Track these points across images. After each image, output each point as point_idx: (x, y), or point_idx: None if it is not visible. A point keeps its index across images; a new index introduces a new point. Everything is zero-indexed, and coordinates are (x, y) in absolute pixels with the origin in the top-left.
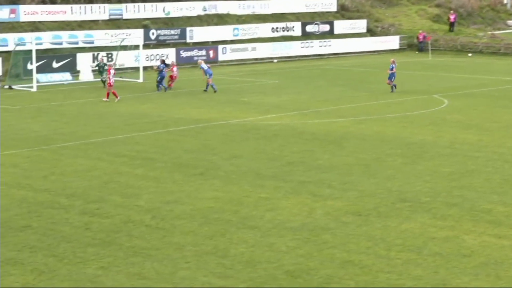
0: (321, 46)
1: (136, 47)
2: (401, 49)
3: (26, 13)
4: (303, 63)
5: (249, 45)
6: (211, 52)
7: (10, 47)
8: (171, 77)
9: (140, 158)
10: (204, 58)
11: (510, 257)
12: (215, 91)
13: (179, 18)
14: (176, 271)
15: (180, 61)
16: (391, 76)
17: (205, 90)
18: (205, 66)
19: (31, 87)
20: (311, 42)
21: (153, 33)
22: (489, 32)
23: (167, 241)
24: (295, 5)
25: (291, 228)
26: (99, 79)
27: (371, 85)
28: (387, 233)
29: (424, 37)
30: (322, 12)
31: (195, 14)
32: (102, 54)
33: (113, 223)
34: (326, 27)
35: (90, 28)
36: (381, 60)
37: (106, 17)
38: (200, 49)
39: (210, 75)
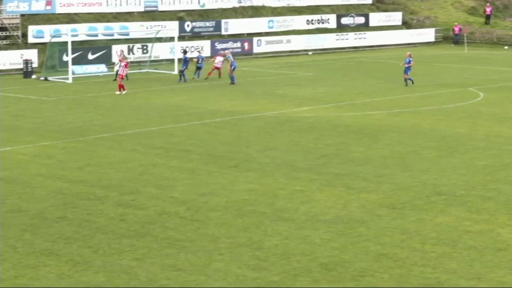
0: (356, 38)
1: (171, 39)
2: (436, 42)
3: (62, 5)
4: (338, 56)
5: (284, 37)
6: (246, 44)
7: (46, 39)
8: (215, 68)
9: (175, 150)
10: (239, 50)
11: None
12: (232, 83)
13: (214, 10)
14: (210, 263)
15: (215, 54)
16: (407, 70)
17: (232, 83)
18: (231, 57)
19: (67, 78)
20: (346, 34)
21: (188, 25)
22: None
23: (201, 232)
24: None
25: (325, 220)
26: (135, 71)
27: None
28: (422, 226)
29: (460, 29)
30: (358, 4)
31: (230, 6)
32: (121, 47)
33: (147, 215)
34: (361, 20)
35: (125, 20)
36: (417, 53)
37: (141, 9)
38: (235, 41)
39: (235, 67)
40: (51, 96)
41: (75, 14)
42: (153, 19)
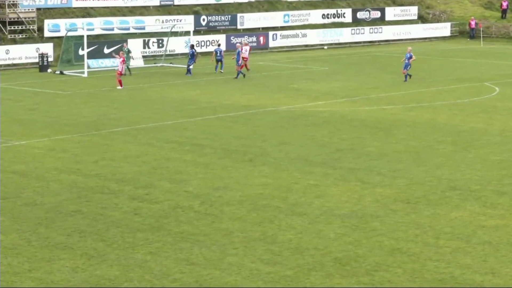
0: (371, 32)
1: (186, 33)
2: (452, 36)
3: None
4: (353, 50)
5: (299, 32)
6: (261, 39)
7: (62, 33)
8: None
9: (189, 144)
10: (255, 44)
11: None
12: (236, 77)
13: (230, 4)
14: (224, 257)
15: (230, 47)
16: (406, 65)
17: (243, 76)
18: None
19: (82, 72)
20: (362, 28)
21: (203, 19)
22: None
23: (215, 227)
24: None
25: (339, 215)
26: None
27: (422, 72)
28: (436, 221)
29: (476, 24)
30: None
31: (246, 1)
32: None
33: (162, 209)
34: (377, 14)
35: (141, 14)
36: (433, 47)
37: (157, 3)
38: (250, 36)
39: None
40: (66, 90)
41: (91, 8)
42: (169, 13)
